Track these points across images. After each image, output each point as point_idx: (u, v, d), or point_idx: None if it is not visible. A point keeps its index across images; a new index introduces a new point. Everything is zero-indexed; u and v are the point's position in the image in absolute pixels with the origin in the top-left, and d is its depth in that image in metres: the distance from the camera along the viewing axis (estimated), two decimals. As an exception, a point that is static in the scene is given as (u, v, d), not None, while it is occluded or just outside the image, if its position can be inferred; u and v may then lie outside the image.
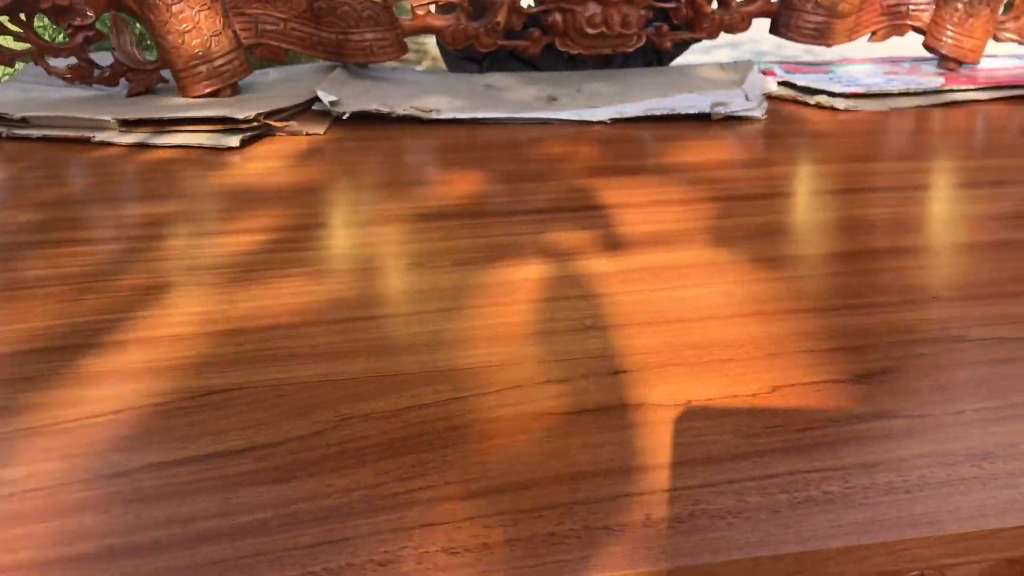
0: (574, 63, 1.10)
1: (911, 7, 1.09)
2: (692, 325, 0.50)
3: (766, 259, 0.59)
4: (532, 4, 1.03)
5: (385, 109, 0.89)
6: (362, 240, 0.63)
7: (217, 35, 0.94)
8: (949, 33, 1.08)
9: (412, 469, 0.39)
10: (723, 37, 1.07)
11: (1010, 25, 1.11)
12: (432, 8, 1.03)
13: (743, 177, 0.75)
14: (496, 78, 1.05)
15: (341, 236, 0.64)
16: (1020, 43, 1.14)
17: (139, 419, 0.42)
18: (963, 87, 1.00)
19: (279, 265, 0.59)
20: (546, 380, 0.45)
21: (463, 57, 1.13)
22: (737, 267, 0.58)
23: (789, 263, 0.59)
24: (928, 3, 1.09)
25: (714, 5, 1.07)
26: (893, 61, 1.14)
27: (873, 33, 1.11)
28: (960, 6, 1.06)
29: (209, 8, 0.92)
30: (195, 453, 0.40)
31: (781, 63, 1.11)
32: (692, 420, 0.42)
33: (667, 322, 0.51)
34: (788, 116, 0.95)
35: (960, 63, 1.09)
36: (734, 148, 0.84)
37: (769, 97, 0.99)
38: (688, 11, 1.04)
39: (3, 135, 0.85)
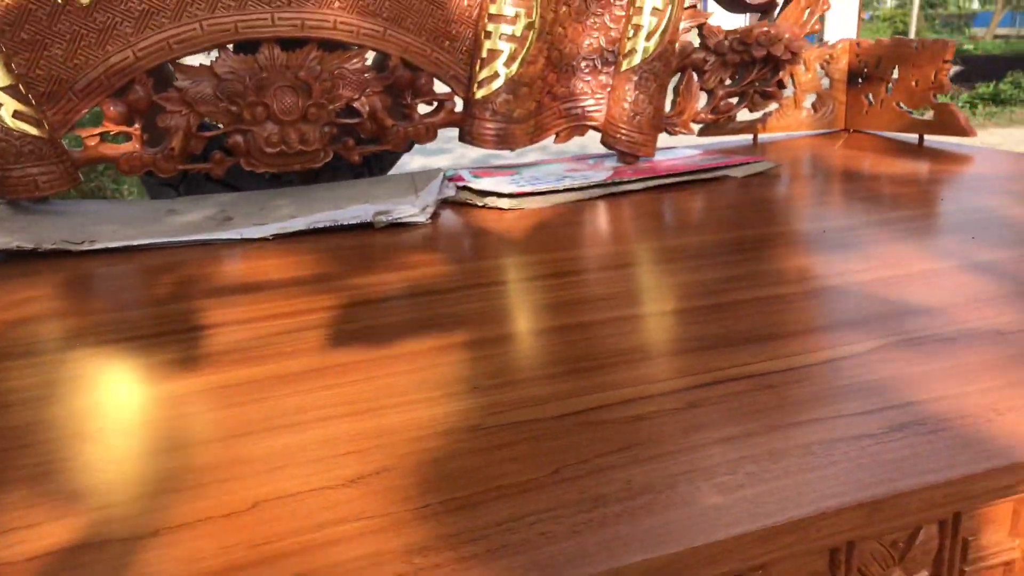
0: (277, 180, 1.11)
1: (585, 109, 1.18)
2: (211, 446, 0.49)
3: (333, 366, 0.59)
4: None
5: (29, 245, 0.86)
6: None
7: None
8: (622, 130, 1.17)
9: None
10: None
11: (676, 120, 1.22)
12: (112, 135, 1.02)
13: (372, 283, 0.77)
14: (182, 202, 1.04)
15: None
16: (691, 134, 1.25)
17: None
18: (627, 179, 1.08)
19: None
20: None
21: (159, 183, 1.12)
22: (305, 377, 0.58)
23: (360, 367, 0.59)
24: (599, 105, 1.18)
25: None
26: (579, 159, 1.22)
27: (557, 135, 1.19)
28: (626, 106, 1.15)
29: None
30: None
31: (471, 168, 1.17)
32: (156, 549, 0.40)
33: (182, 447, 0.50)
34: (457, 219, 0.98)
35: (636, 157, 1.18)
36: (382, 255, 0.86)
37: (448, 202, 1.03)
38: (372, 126, 1.08)
39: None
